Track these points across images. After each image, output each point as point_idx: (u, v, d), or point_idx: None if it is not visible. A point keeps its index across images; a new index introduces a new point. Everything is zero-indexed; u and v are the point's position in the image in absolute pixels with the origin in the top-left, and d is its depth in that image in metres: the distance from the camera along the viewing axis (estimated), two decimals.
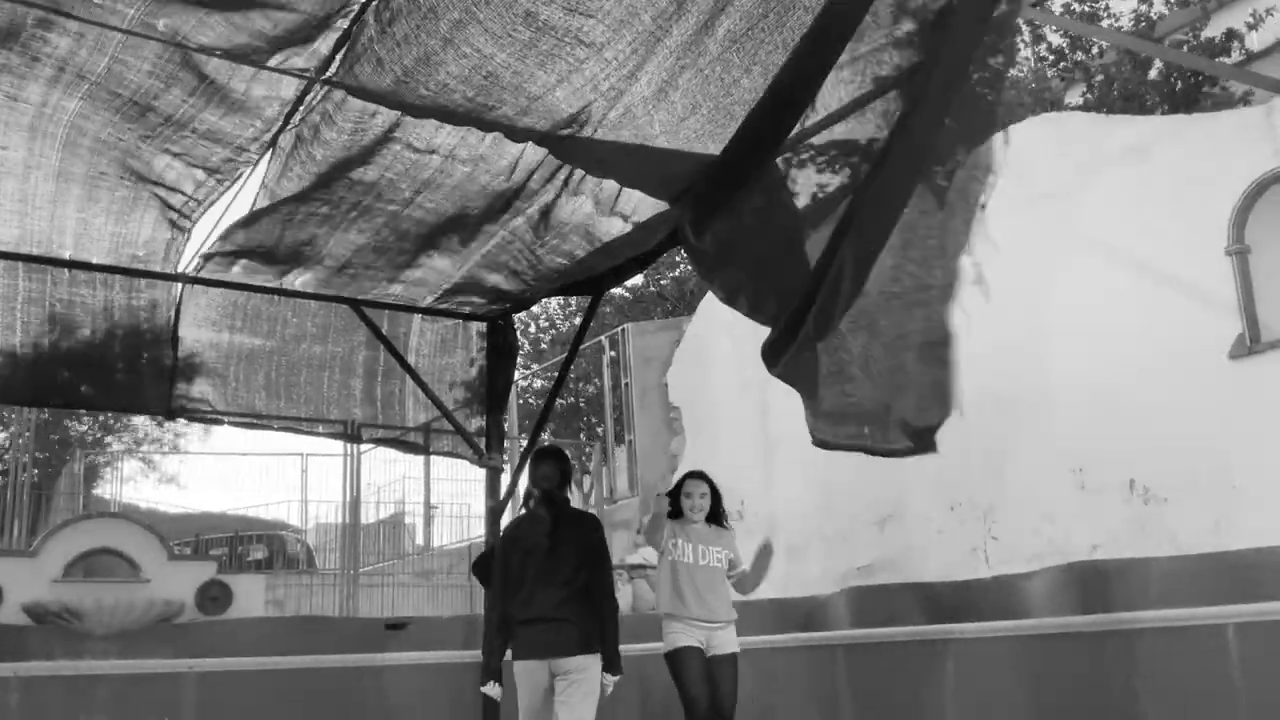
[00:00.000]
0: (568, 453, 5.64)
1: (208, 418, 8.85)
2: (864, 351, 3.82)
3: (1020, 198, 8.56)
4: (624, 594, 11.43)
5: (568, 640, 4.75)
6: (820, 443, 4.08)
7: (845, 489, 9.95)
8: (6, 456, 20.55)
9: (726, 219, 4.63)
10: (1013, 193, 8.67)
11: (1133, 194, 7.92)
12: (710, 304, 12.58)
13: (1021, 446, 8.44)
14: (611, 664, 4.89)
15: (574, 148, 4.62)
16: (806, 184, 4.26)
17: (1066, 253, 8.25)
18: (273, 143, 6.53)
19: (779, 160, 4.33)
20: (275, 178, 6.98)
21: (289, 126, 6.43)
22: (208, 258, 8.10)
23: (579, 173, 7.34)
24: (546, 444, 5.88)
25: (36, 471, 15.48)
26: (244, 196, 7.33)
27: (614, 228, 7.76)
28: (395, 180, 7.21)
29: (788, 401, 11.81)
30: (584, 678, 4.73)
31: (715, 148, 4.64)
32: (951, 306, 3.51)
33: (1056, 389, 8.20)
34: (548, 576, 4.86)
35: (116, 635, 8.51)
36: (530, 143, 6.16)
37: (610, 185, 7.45)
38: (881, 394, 3.80)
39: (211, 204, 7.20)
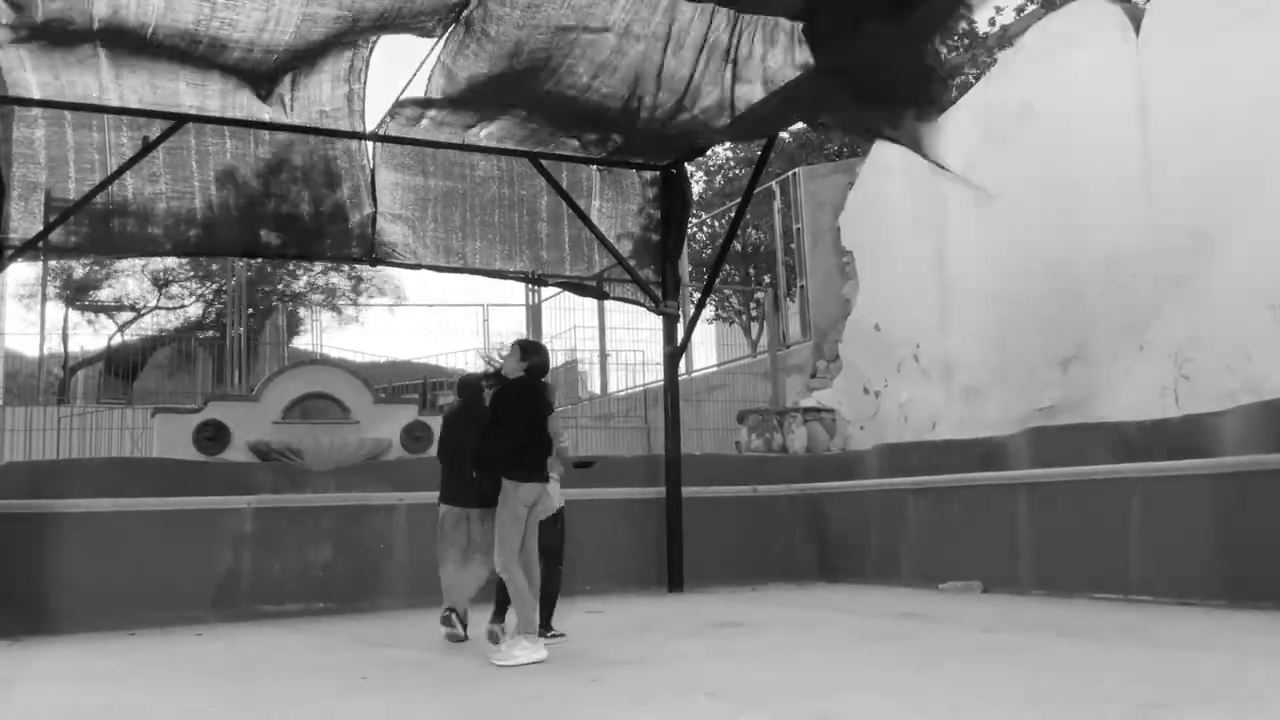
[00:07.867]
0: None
1: (406, 263, 9.37)
2: None
3: (1226, 17, 7.98)
4: (798, 435, 11.65)
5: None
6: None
7: (1026, 330, 9.77)
8: (221, 301, 21.93)
9: None
10: (1219, 13, 8.08)
11: None
12: (884, 146, 12.28)
13: (1216, 283, 8.09)
14: None
15: None
16: None
17: (1274, 78, 7.69)
18: (456, 18, 6.80)
19: None
20: (452, 56, 7.31)
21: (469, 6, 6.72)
22: (393, 115, 8.47)
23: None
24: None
25: (245, 322, 16.64)
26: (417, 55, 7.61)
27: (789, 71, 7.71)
28: (573, 65, 7.42)
29: (966, 243, 11.54)
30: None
31: None
32: None
33: (1255, 222, 7.78)
34: None
35: (333, 471, 9.25)
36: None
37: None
38: None
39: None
